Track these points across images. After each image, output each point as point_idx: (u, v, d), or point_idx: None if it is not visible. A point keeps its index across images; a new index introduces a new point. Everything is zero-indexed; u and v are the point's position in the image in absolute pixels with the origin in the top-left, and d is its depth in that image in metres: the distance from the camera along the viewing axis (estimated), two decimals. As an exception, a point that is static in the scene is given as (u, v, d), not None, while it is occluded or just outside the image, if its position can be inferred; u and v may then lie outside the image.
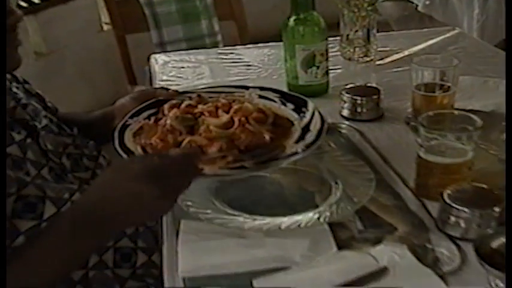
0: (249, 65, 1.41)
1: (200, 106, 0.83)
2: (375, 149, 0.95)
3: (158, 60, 1.49)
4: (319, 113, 0.84)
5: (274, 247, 0.72)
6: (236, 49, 1.54)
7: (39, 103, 0.93)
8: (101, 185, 0.69)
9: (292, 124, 0.83)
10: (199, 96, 0.88)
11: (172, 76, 1.37)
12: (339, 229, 0.75)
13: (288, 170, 0.87)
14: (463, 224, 0.72)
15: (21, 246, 0.70)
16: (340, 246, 0.72)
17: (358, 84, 1.13)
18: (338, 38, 1.38)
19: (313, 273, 0.68)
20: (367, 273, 0.67)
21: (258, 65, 1.41)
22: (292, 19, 1.14)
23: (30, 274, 0.68)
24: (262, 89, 0.92)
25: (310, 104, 0.87)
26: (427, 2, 2.40)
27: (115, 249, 0.85)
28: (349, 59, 1.38)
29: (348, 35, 1.36)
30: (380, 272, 0.67)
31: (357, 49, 1.36)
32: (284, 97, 0.90)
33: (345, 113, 1.08)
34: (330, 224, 0.76)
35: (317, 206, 0.80)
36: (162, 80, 1.35)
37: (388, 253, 0.70)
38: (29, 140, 0.79)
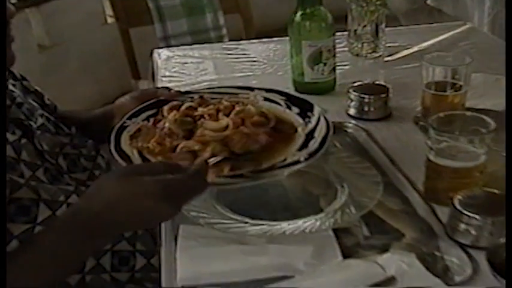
0: (254, 61, 1.38)
1: (200, 109, 0.80)
2: (382, 150, 0.93)
3: (161, 55, 1.46)
4: (325, 118, 0.81)
5: (277, 254, 0.70)
6: (241, 44, 1.51)
7: (36, 101, 0.91)
8: (106, 194, 0.65)
9: (296, 130, 0.80)
10: (201, 97, 0.86)
11: (175, 72, 1.34)
12: (344, 235, 0.73)
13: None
14: (473, 232, 0.69)
15: (15, 250, 0.68)
16: (345, 254, 0.70)
17: (365, 81, 1.10)
18: (345, 32, 1.34)
19: (318, 283, 0.65)
20: (373, 284, 0.64)
21: (263, 60, 1.37)
22: (298, 14, 1.11)
23: (25, 279, 0.66)
24: (267, 90, 0.89)
25: (316, 109, 0.84)
26: (437, -5, 2.36)
27: (113, 252, 0.82)
28: (357, 55, 1.34)
29: (355, 30, 1.32)
30: (387, 282, 0.65)
31: (365, 45, 1.33)
32: (290, 100, 0.87)
33: (352, 111, 1.05)
34: (335, 230, 0.73)
35: (322, 210, 0.77)
36: (165, 76, 1.32)
37: (395, 262, 0.67)
38: (23, 140, 0.77)
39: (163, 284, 0.68)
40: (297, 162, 0.73)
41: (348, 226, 0.74)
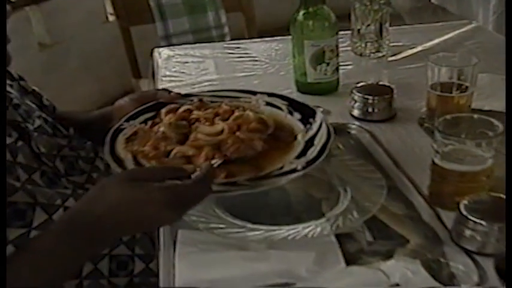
0: (256, 60, 1.36)
1: (196, 112, 0.79)
2: (386, 152, 0.91)
3: (162, 54, 1.44)
4: (327, 125, 0.79)
5: (278, 260, 0.68)
6: (242, 43, 1.49)
7: (34, 101, 0.90)
8: (109, 198, 0.64)
9: (295, 138, 0.79)
10: (200, 100, 0.84)
11: (175, 71, 1.32)
12: (347, 240, 0.71)
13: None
14: (479, 238, 0.67)
15: (10, 255, 0.66)
16: (348, 260, 0.68)
17: (369, 82, 1.08)
18: (349, 32, 1.32)
19: (320, 291, 0.64)
20: (377, 292, 0.63)
21: (265, 60, 1.36)
22: (301, 13, 1.09)
23: (22, 283, 0.64)
24: (270, 95, 0.88)
25: (319, 115, 0.82)
26: (441, -7, 2.33)
27: (111, 256, 0.81)
28: (361, 55, 1.33)
29: (359, 30, 1.30)
30: (391, 290, 0.63)
31: (368, 44, 1.31)
32: (292, 105, 0.86)
33: (356, 112, 1.03)
34: (338, 235, 0.71)
35: (324, 215, 0.75)
36: (165, 76, 1.31)
37: (400, 269, 0.66)
38: (20, 143, 0.75)
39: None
40: (294, 170, 0.71)
41: (351, 231, 0.72)
